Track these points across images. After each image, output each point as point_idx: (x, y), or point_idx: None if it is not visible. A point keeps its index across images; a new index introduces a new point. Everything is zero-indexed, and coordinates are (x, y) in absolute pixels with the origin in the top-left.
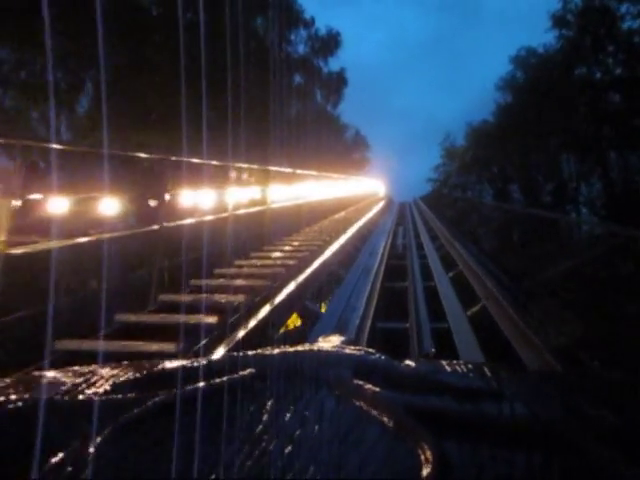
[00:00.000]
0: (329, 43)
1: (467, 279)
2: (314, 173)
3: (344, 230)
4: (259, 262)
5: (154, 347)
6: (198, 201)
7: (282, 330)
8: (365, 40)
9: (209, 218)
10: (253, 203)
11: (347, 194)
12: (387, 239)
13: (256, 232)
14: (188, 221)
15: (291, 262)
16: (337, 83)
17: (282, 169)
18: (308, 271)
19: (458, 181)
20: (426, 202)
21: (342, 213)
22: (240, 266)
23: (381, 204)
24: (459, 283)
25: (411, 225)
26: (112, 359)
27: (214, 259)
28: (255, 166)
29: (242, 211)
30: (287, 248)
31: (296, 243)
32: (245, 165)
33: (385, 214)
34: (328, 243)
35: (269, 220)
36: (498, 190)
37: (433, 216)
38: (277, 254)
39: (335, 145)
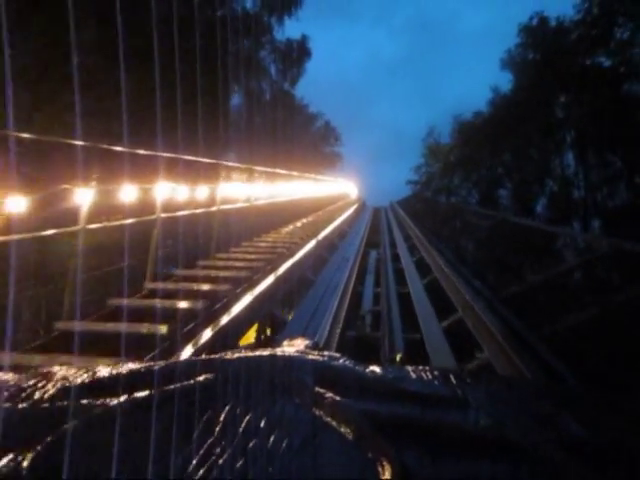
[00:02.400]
0: None
1: None
2: (256, 168)
3: (258, 277)
4: None
5: None
6: None
7: None
8: (340, 60)
9: None
10: None
11: (299, 199)
12: (344, 297)
13: None
14: None
15: None
16: (297, 54)
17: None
18: None
19: (442, 184)
20: (408, 212)
21: (273, 235)
22: None
23: (349, 212)
24: None
25: (389, 251)
26: None
27: None
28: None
29: None
30: None
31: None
32: None
33: (352, 229)
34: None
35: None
36: (485, 195)
37: (421, 235)
38: None
39: (299, 135)
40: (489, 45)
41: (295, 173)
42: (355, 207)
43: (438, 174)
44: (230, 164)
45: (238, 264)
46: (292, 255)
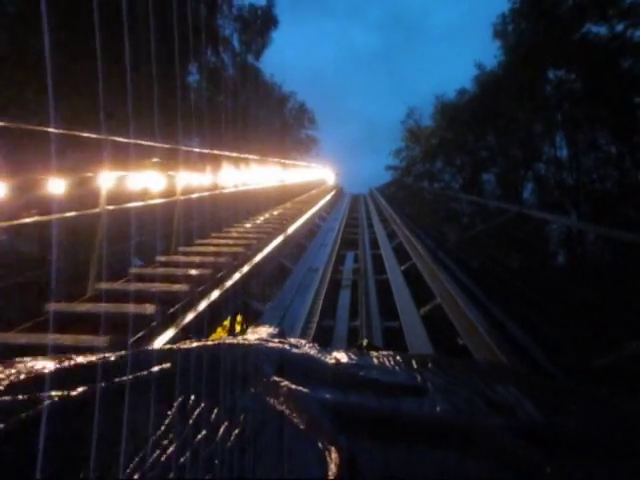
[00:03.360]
0: None
1: None
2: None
3: None
4: None
5: None
6: None
7: None
8: (315, 54)
9: None
10: None
11: (262, 188)
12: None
13: None
14: None
15: None
16: (262, 22)
17: None
18: None
19: (424, 169)
20: (389, 200)
21: (214, 241)
22: None
23: (324, 202)
24: None
25: (370, 253)
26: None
27: None
28: None
29: None
30: None
31: None
32: None
33: (326, 224)
34: None
35: None
36: (470, 180)
37: (409, 233)
38: None
39: (270, 117)
40: (461, 39)
41: (253, 156)
42: (331, 195)
43: (419, 158)
44: (140, 142)
45: (136, 302)
46: (232, 275)
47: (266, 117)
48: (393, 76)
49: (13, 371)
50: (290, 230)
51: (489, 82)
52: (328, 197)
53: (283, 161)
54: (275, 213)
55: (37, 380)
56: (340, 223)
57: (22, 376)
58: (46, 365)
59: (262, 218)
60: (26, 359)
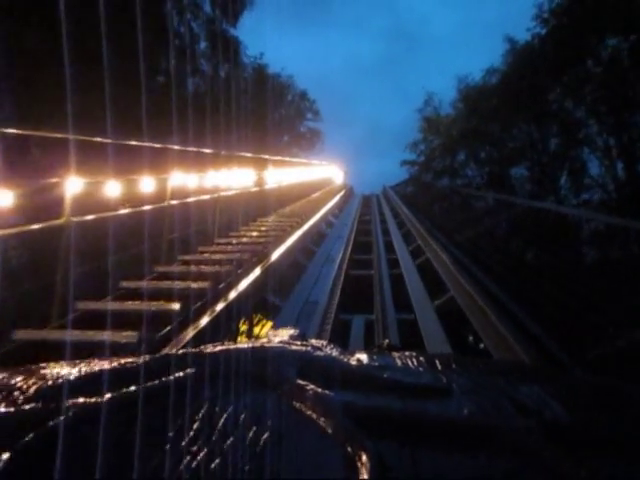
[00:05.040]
0: None
1: None
2: None
3: None
4: None
5: None
6: None
7: None
8: (321, 62)
9: None
10: None
11: (238, 194)
12: None
13: None
14: None
15: None
16: None
17: None
18: None
19: (445, 164)
20: (411, 206)
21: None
22: None
23: (325, 209)
24: None
25: (396, 328)
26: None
27: None
28: None
29: None
30: None
31: None
32: None
33: (323, 247)
34: None
35: None
36: (498, 175)
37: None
38: None
39: (265, 109)
40: (461, 45)
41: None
42: (337, 199)
43: (439, 151)
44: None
45: None
46: None
47: (255, 104)
48: (396, 82)
49: (38, 377)
50: (244, 285)
51: (523, 58)
52: (335, 200)
53: (266, 157)
54: (243, 241)
55: (62, 386)
56: (345, 246)
57: (49, 382)
58: (71, 371)
59: (228, 249)
60: (52, 365)
